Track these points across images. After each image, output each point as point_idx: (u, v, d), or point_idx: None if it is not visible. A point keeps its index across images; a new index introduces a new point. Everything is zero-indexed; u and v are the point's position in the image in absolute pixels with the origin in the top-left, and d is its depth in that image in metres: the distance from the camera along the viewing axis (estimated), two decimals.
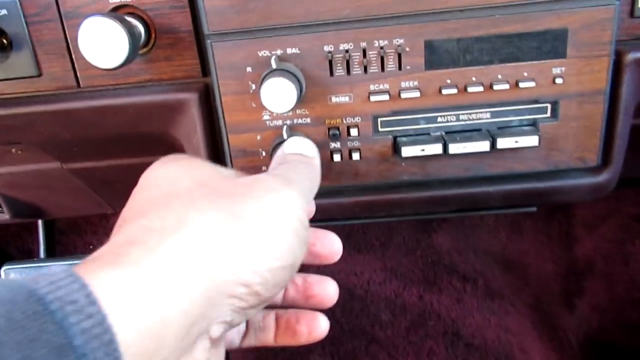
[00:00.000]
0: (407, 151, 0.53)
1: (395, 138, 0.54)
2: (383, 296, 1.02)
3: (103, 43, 0.48)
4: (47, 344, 0.21)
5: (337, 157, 0.55)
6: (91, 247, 1.38)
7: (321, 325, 0.40)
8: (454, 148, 0.53)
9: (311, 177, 0.41)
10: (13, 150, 0.67)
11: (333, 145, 0.55)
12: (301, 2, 0.49)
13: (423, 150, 0.53)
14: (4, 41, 0.56)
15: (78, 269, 0.25)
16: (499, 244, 1.11)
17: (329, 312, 0.41)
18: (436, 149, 0.53)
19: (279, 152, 0.44)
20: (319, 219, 0.67)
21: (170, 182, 0.34)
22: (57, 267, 0.24)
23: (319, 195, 0.63)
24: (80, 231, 1.36)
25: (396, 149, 0.54)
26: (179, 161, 0.37)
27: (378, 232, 1.10)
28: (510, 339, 1.02)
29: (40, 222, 1.27)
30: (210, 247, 0.29)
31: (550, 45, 0.50)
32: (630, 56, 0.52)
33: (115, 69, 0.50)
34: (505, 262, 1.10)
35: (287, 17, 0.50)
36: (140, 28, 0.53)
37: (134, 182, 0.37)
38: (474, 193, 0.58)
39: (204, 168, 0.36)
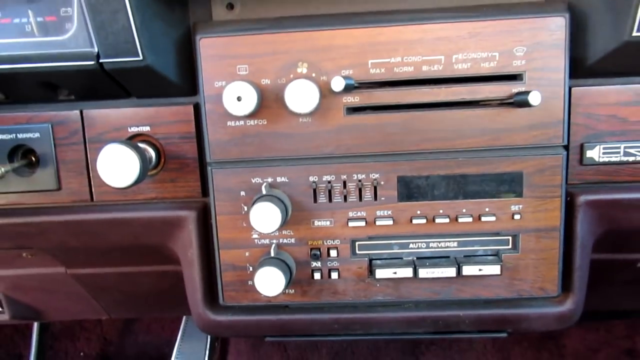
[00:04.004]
0: (380, 273, 0.58)
1: (371, 260, 0.60)
2: None
3: (118, 166, 0.56)
4: None
5: (317, 275, 0.60)
6: (81, 354, 1.38)
7: None
8: (424, 273, 0.57)
9: None
10: (24, 254, 0.73)
11: (314, 264, 0.60)
12: (290, 140, 0.57)
13: (395, 273, 0.58)
14: (33, 158, 0.64)
15: None
16: None
17: None
18: (407, 272, 0.58)
19: None
20: (302, 334, 0.71)
21: None
22: None
23: (301, 311, 0.67)
24: (74, 337, 1.37)
25: (371, 270, 0.59)
26: None
27: (366, 352, 1.10)
28: None
29: (35, 325, 1.30)
30: None
31: (508, 185, 0.57)
32: (582, 198, 0.58)
33: (125, 188, 0.57)
34: None
35: (278, 152, 0.57)
36: (152, 153, 0.61)
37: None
38: (445, 316, 0.62)
39: None
